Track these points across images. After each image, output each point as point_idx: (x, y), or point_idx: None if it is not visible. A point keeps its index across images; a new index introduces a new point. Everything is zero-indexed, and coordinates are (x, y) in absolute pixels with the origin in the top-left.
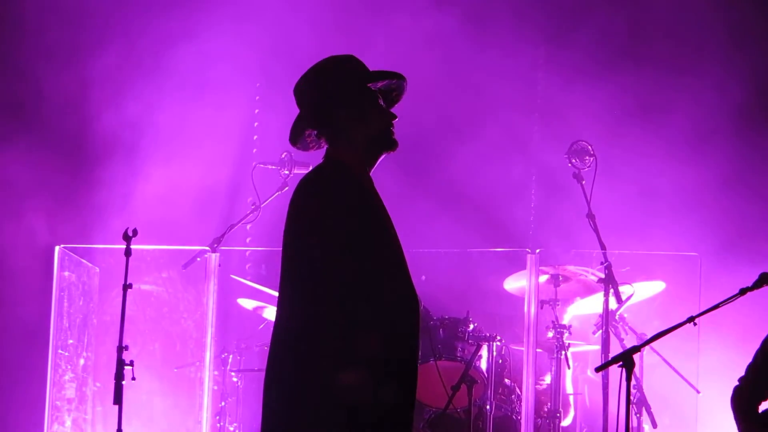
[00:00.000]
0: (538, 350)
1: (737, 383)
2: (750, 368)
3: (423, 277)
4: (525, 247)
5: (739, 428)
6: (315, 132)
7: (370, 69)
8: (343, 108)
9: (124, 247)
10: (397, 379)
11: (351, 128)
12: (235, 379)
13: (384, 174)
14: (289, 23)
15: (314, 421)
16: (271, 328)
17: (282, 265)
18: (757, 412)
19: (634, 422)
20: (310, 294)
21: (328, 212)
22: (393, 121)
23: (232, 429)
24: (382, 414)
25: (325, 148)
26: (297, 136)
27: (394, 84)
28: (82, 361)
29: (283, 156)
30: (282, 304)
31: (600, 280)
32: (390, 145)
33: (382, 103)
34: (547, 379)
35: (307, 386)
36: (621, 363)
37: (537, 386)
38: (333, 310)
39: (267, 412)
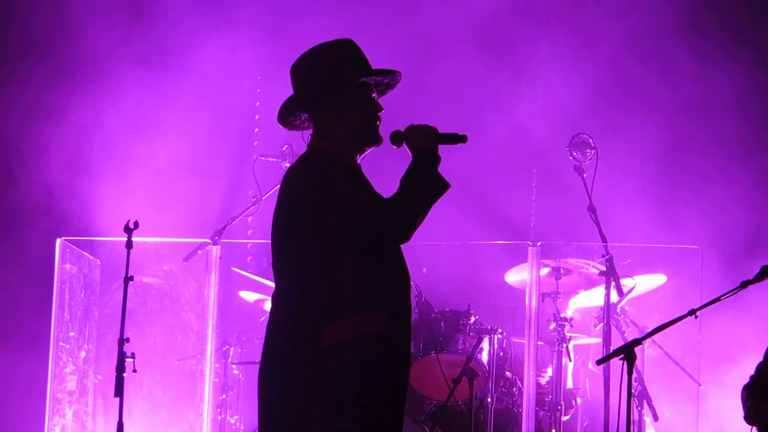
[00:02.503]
0: (540, 343)
1: (748, 381)
2: (760, 367)
3: (424, 270)
4: (526, 239)
5: (751, 415)
6: (305, 115)
7: (371, 59)
8: (324, 101)
9: (126, 239)
10: (394, 358)
11: (332, 122)
12: (236, 372)
13: (385, 166)
14: (291, 14)
15: (315, 405)
16: None
17: (274, 253)
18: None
19: (635, 415)
20: (310, 276)
21: (322, 191)
22: (378, 114)
23: (233, 421)
24: (381, 390)
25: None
26: (286, 116)
27: (386, 80)
28: (83, 354)
29: (284, 149)
30: (280, 290)
31: (601, 273)
32: (372, 140)
33: (374, 95)
34: (549, 371)
35: (307, 370)
36: (622, 356)
37: (539, 378)
38: (333, 291)
39: (265, 397)
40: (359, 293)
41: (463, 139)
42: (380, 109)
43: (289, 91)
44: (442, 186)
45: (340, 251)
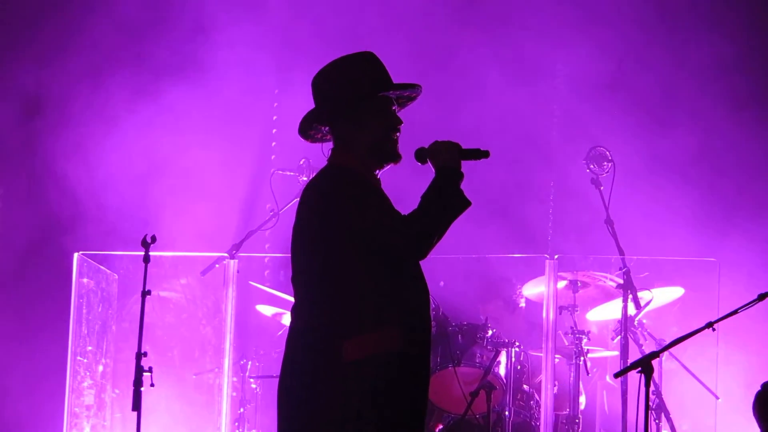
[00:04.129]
0: (557, 357)
1: (760, 389)
2: None
3: (441, 283)
4: (544, 252)
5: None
6: (326, 128)
7: (390, 70)
8: (344, 115)
9: (143, 253)
10: (414, 374)
11: (351, 136)
12: (253, 386)
13: (402, 179)
14: (309, 28)
15: (335, 421)
16: None
17: (294, 267)
18: None
19: (653, 428)
20: (329, 292)
21: (341, 206)
22: (398, 127)
23: None
24: (401, 407)
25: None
26: (306, 129)
27: (407, 93)
28: (100, 368)
29: (301, 162)
30: (299, 304)
31: (618, 286)
32: (390, 157)
33: (395, 107)
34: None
35: (326, 386)
36: (640, 369)
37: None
38: (352, 307)
39: (284, 412)
40: (378, 309)
41: (485, 154)
42: (399, 122)
43: (307, 105)
44: (463, 204)
45: (358, 267)
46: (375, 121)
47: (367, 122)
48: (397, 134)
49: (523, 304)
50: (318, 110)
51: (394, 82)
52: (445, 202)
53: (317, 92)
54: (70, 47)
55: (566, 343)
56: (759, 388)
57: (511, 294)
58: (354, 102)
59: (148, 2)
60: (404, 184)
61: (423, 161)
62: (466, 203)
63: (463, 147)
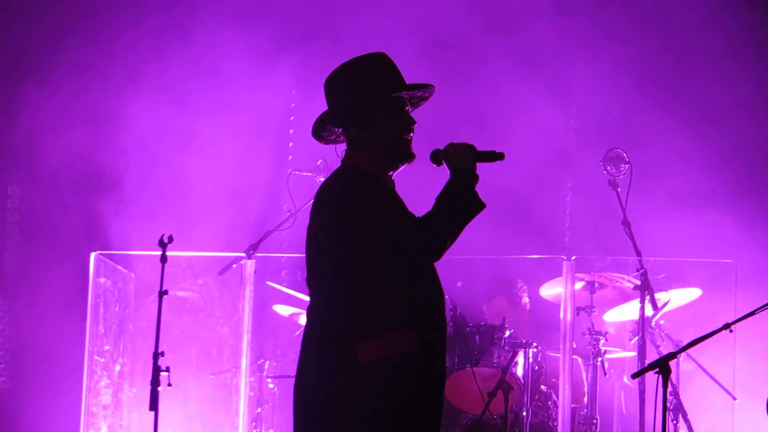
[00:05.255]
0: (575, 357)
1: None
2: None
3: (459, 284)
4: (561, 254)
5: None
6: (339, 130)
7: (404, 74)
8: (357, 116)
9: (160, 253)
10: (429, 375)
11: (364, 137)
12: (271, 386)
13: (419, 180)
14: (327, 29)
15: (350, 423)
16: None
17: (309, 268)
18: None
19: (670, 429)
20: (343, 293)
21: (355, 208)
22: (411, 127)
23: None
24: (416, 407)
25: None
26: (319, 131)
27: (419, 93)
28: (117, 367)
29: (318, 163)
30: (314, 305)
31: (636, 287)
32: (403, 155)
33: (408, 108)
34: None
35: (341, 388)
36: (657, 370)
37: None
38: (367, 308)
39: (300, 413)
40: (393, 310)
41: (500, 156)
42: (413, 123)
43: (323, 106)
44: (477, 206)
45: (372, 269)
46: (388, 121)
47: (380, 123)
48: (411, 134)
49: (526, 299)
50: (331, 111)
51: (407, 83)
52: (459, 204)
53: (330, 93)
54: (98, 62)
55: (574, 345)
56: None
57: (529, 294)
58: (367, 103)
59: (166, 8)
60: (420, 185)
61: (438, 163)
62: (481, 205)
63: (478, 149)
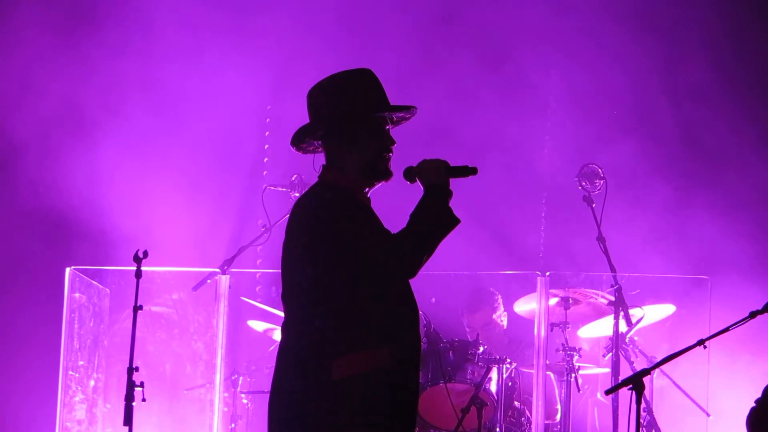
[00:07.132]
0: (548, 373)
1: (753, 405)
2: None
3: (433, 300)
4: (535, 269)
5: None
6: (318, 142)
7: (384, 86)
8: (338, 133)
9: (135, 268)
10: (403, 392)
11: (343, 154)
12: (245, 401)
13: (394, 195)
14: (301, 44)
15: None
16: None
17: (284, 284)
18: None
19: None
20: (318, 310)
21: (330, 224)
22: (391, 147)
23: None
24: (390, 423)
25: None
26: (299, 141)
27: (401, 114)
28: (92, 383)
29: (293, 178)
30: (289, 321)
31: (610, 303)
32: (381, 174)
33: (388, 126)
34: None
35: (315, 404)
36: (631, 386)
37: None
38: (341, 325)
39: (274, 429)
40: (367, 327)
41: (473, 171)
42: (392, 143)
43: (299, 120)
44: (451, 222)
45: (348, 286)
46: (368, 140)
47: (360, 141)
48: (390, 154)
49: (505, 313)
50: (312, 125)
51: (391, 103)
52: (433, 220)
53: (312, 107)
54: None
55: (547, 362)
56: (752, 404)
57: (498, 306)
58: (348, 121)
59: (140, 25)
60: (394, 203)
61: (412, 180)
62: (455, 221)
63: (451, 164)
